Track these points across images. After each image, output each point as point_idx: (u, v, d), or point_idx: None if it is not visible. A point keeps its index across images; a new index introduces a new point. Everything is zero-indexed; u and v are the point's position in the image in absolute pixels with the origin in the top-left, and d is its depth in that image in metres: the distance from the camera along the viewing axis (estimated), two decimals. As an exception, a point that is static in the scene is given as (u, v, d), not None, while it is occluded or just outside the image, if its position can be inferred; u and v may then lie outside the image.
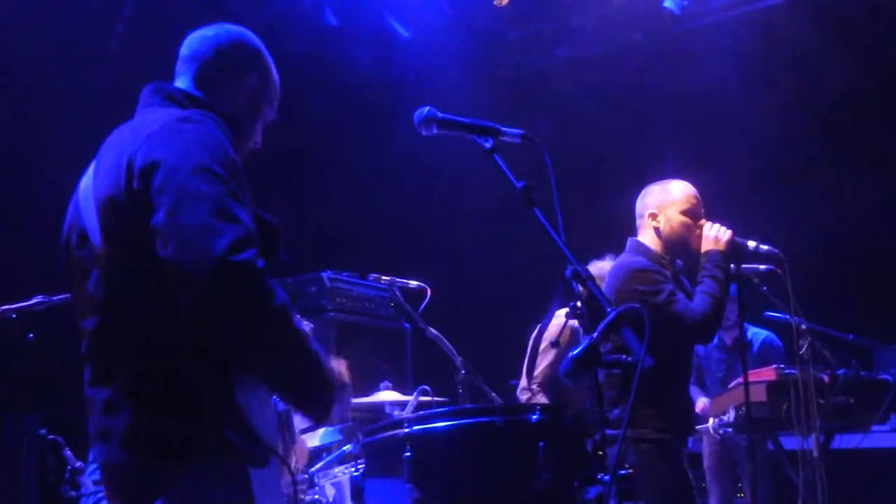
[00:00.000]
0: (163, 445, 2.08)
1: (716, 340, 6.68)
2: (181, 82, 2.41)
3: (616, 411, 3.60)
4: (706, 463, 6.55)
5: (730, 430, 5.44)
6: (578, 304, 2.59)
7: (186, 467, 2.08)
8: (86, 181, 2.28)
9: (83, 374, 2.25)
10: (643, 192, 4.23)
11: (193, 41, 2.46)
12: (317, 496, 4.10)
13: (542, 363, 5.64)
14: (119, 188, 2.09)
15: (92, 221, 2.17)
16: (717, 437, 6.04)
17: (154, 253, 2.01)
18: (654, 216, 4.12)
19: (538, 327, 5.79)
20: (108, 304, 2.15)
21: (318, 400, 2.19)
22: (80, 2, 5.98)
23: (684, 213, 4.08)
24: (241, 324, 1.97)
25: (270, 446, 2.17)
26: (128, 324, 2.11)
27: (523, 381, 5.66)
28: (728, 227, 4.09)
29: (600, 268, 5.21)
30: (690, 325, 3.84)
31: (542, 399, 5.45)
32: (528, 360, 5.81)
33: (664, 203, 4.12)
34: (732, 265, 4.32)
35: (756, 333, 6.66)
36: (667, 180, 4.24)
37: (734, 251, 4.05)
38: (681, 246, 4.11)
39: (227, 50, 2.43)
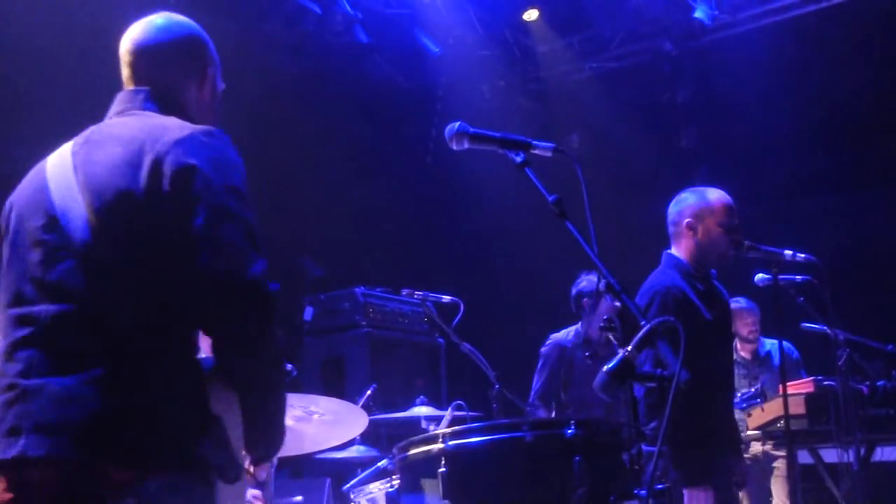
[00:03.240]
0: (133, 446, 2.00)
1: (735, 356, 6.61)
2: (156, 87, 2.36)
3: (652, 425, 3.55)
4: None
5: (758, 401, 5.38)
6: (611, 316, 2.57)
7: (153, 473, 2.00)
8: (59, 168, 2.22)
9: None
10: (678, 199, 4.18)
11: (146, 43, 2.39)
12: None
13: (540, 378, 5.73)
14: (137, 184, 2.08)
15: (74, 209, 2.13)
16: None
17: (160, 251, 2.05)
18: (691, 225, 4.07)
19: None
20: (87, 294, 2.06)
21: (268, 442, 2.24)
22: (112, 21, 6.05)
23: (721, 223, 4.04)
24: (257, 343, 2.07)
25: (241, 463, 2.16)
26: (108, 317, 2.05)
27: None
28: (760, 238, 4.07)
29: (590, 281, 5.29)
30: None
31: (540, 413, 5.50)
32: (563, 373, 5.83)
33: (702, 212, 4.07)
34: (770, 275, 4.30)
35: (772, 345, 6.56)
36: (702, 187, 4.20)
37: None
38: (717, 256, 4.07)
39: (184, 48, 2.41)
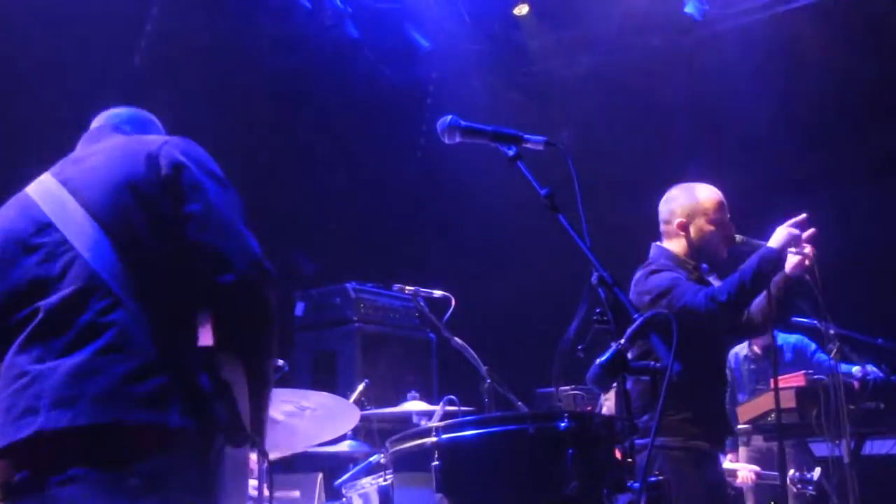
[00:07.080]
0: (154, 406, 2.06)
1: (746, 351, 6.60)
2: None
3: (645, 418, 3.55)
4: None
5: (810, 488, 5.32)
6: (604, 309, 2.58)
7: (172, 434, 2.06)
8: (42, 187, 2.35)
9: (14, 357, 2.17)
10: (668, 197, 4.16)
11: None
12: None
13: None
14: (136, 172, 2.26)
15: (68, 210, 2.24)
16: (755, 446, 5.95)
17: (161, 229, 2.22)
18: (683, 225, 4.04)
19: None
20: (93, 275, 2.16)
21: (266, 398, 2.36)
22: (104, 18, 6.03)
23: (713, 221, 4.03)
24: (263, 310, 2.28)
25: (246, 428, 2.21)
26: (114, 288, 2.15)
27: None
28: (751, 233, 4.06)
29: None
30: (700, 316, 3.72)
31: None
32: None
33: (693, 212, 4.05)
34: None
35: (786, 339, 6.58)
36: (691, 184, 4.18)
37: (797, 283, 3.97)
38: (710, 253, 4.07)
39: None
